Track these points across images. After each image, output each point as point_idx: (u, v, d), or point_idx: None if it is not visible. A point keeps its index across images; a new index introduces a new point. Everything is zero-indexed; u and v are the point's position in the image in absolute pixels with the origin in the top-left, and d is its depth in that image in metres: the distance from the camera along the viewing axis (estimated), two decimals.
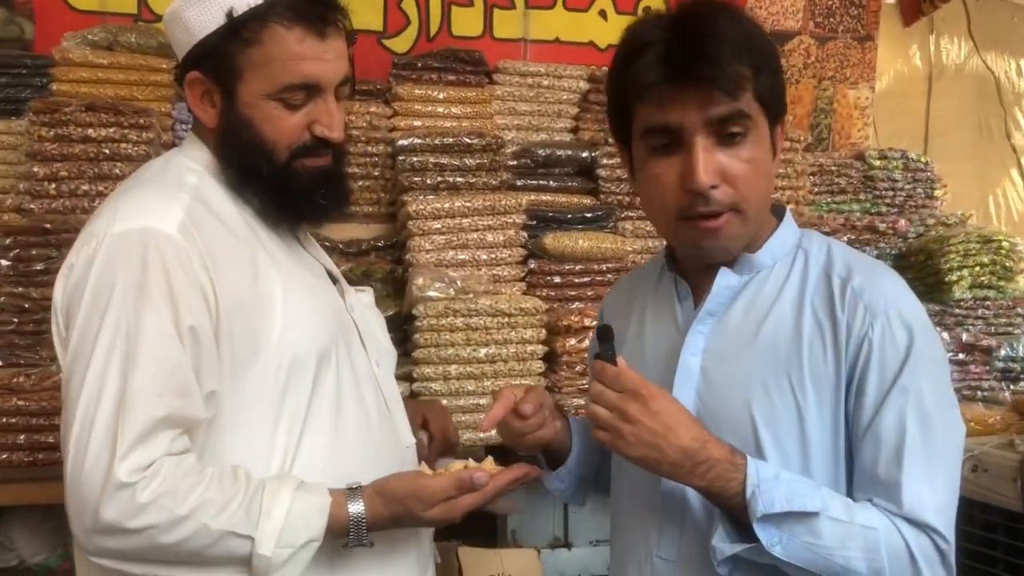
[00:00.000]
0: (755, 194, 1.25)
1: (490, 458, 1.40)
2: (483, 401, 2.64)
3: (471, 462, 1.39)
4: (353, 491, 1.29)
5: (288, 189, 1.38)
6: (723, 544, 1.17)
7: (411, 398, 1.70)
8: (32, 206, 2.79)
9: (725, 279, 1.29)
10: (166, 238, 1.25)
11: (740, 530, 1.17)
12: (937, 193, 3.81)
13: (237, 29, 1.31)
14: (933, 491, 1.16)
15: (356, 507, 1.27)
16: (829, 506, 1.15)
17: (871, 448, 1.19)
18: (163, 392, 1.21)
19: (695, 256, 1.32)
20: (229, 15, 1.31)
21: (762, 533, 1.14)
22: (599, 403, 1.19)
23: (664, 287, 1.40)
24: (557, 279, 2.97)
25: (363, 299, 1.57)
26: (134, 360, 1.21)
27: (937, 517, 1.16)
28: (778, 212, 1.35)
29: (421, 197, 2.96)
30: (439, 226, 2.90)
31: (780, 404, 1.23)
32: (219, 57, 1.33)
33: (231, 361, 1.29)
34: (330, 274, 1.52)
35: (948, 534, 1.16)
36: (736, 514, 1.17)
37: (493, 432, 1.49)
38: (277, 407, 1.31)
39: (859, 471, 1.21)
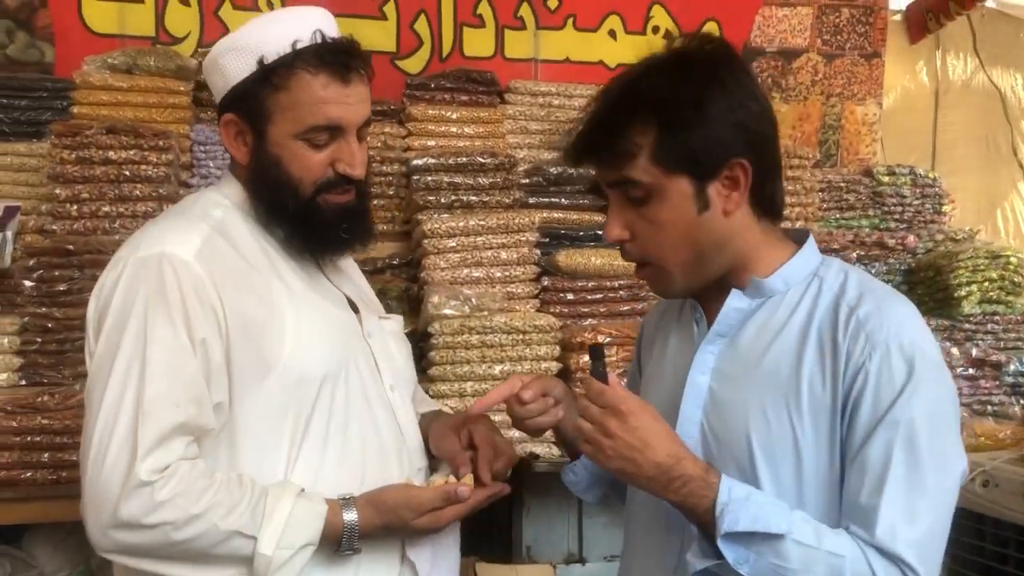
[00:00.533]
0: (666, 250, 1.28)
1: (470, 475, 1.48)
2: (498, 418, 2.65)
3: (451, 478, 1.47)
4: (347, 501, 1.38)
5: (312, 222, 1.47)
6: (695, 559, 1.22)
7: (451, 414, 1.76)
8: (54, 227, 2.85)
9: (735, 301, 1.32)
10: (182, 263, 1.36)
11: (712, 546, 1.20)
12: (945, 208, 3.84)
13: (268, 75, 1.42)
14: (910, 524, 1.16)
15: (350, 515, 1.36)
16: (796, 530, 1.17)
17: (856, 477, 1.20)
18: (179, 401, 1.31)
19: None
20: (260, 62, 1.42)
21: (728, 551, 1.17)
22: (585, 417, 1.24)
23: (687, 310, 1.43)
24: (570, 296, 3.01)
25: (386, 326, 1.64)
26: (152, 370, 1.31)
27: (910, 550, 1.15)
28: (800, 238, 1.37)
29: (436, 216, 3.01)
30: (454, 244, 2.95)
31: (777, 429, 1.24)
32: (251, 101, 1.43)
33: (240, 379, 1.38)
34: (352, 303, 1.58)
35: (922, 569, 1.15)
36: (708, 530, 1.20)
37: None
38: (281, 422, 1.40)
39: (844, 498, 1.22)
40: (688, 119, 1.23)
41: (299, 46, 1.42)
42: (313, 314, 1.46)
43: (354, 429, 1.46)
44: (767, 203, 1.31)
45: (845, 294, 1.27)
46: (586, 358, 2.70)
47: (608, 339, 2.78)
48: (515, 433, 1.85)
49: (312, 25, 1.44)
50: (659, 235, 1.27)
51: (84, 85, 3.12)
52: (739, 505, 1.17)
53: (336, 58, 1.43)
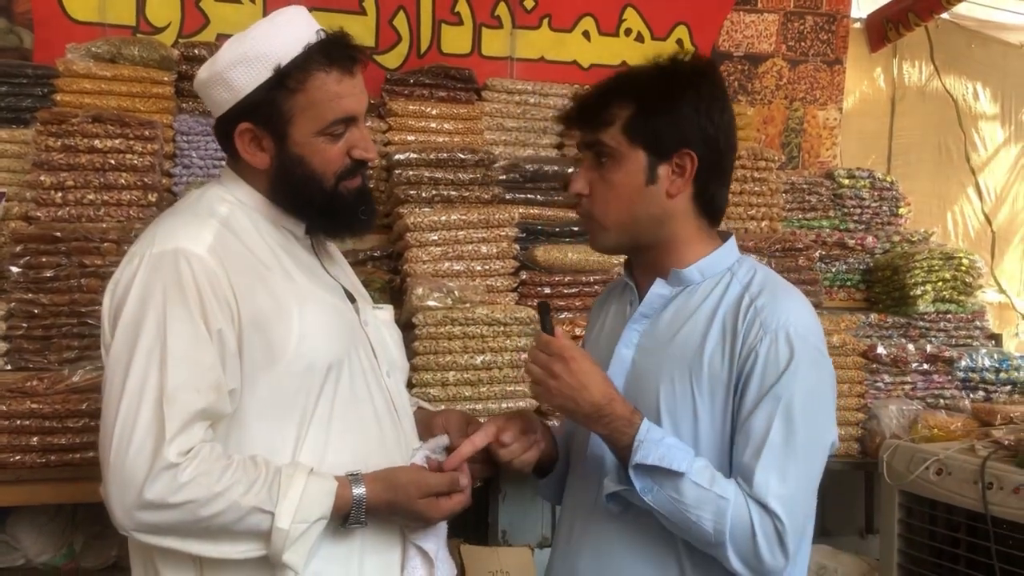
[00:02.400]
0: (610, 207, 1.49)
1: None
2: (479, 406, 2.76)
3: (443, 455, 1.59)
4: (355, 477, 1.46)
5: (337, 211, 1.56)
6: (610, 483, 1.45)
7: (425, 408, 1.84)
8: (39, 214, 2.87)
9: (657, 288, 1.53)
10: (197, 258, 1.43)
11: (626, 474, 1.41)
12: (902, 211, 4.00)
13: (283, 81, 1.48)
14: (781, 482, 1.36)
15: (359, 490, 1.45)
16: (694, 472, 1.37)
17: (742, 440, 1.41)
18: (200, 388, 1.38)
19: None
20: (277, 68, 1.48)
21: (636, 480, 1.39)
22: (534, 363, 1.46)
23: (626, 294, 1.64)
24: (547, 290, 3.10)
25: (380, 315, 1.73)
26: (173, 359, 1.37)
27: (780, 504, 1.35)
28: (724, 237, 1.57)
29: (417, 210, 3.08)
30: (435, 238, 3.02)
31: (680, 396, 1.46)
32: (267, 107, 1.49)
33: (251, 367, 1.45)
34: (349, 293, 1.66)
35: (789, 521, 1.35)
36: (624, 462, 1.41)
37: None
38: (290, 408, 1.47)
39: (732, 458, 1.42)
40: (659, 106, 1.47)
41: (309, 47, 1.49)
42: (317, 306, 1.53)
43: (356, 414, 1.53)
44: (708, 201, 1.53)
45: (750, 287, 1.48)
46: None
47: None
48: None
49: (311, 25, 1.52)
50: (609, 193, 1.49)
51: (67, 73, 3.13)
52: (652, 444, 1.39)
53: (343, 52, 1.51)
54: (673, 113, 1.47)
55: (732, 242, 1.57)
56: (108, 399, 1.39)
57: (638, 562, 1.48)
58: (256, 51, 1.48)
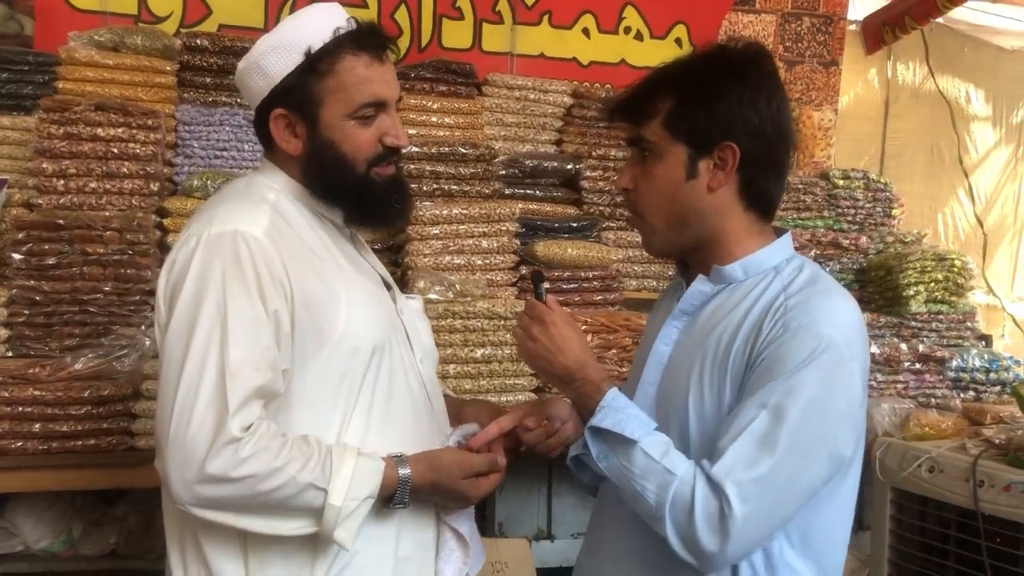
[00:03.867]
0: (651, 204, 1.48)
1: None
2: (480, 399, 2.78)
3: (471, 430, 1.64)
4: (400, 459, 1.50)
5: (369, 197, 1.58)
6: (574, 448, 1.50)
7: (451, 396, 1.89)
8: (40, 201, 2.87)
9: (699, 284, 1.50)
10: (255, 239, 1.46)
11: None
12: (895, 212, 4.04)
13: (314, 64, 1.52)
14: (745, 469, 1.28)
15: (404, 470, 1.49)
16: (647, 443, 1.36)
17: (725, 424, 1.35)
18: (259, 366, 1.41)
19: None
20: (307, 53, 1.51)
21: (592, 444, 1.41)
22: (518, 325, 1.52)
23: (678, 291, 1.60)
24: (546, 285, 3.11)
25: (412, 305, 1.77)
26: (234, 337, 1.40)
27: (736, 489, 1.27)
28: (780, 234, 1.52)
29: (419, 203, 3.10)
30: (437, 232, 3.04)
31: (708, 395, 1.41)
32: (299, 91, 1.53)
33: (301, 348, 1.48)
34: (385, 281, 1.70)
35: (742, 509, 1.27)
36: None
37: None
38: (336, 390, 1.51)
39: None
40: (699, 98, 1.43)
41: (339, 33, 1.53)
42: (362, 292, 1.57)
43: (396, 399, 1.57)
44: (755, 195, 1.46)
45: (790, 286, 1.41)
46: None
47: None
48: None
49: (342, 15, 1.56)
50: (651, 188, 1.47)
51: (69, 61, 3.13)
52: (611, 410, 1.40)
53: (372, 39, 1.55)
54: (713, 104, 1.42)
55: (785, 239, 1.50)
56: (167, 375, 1.42)
57: (644, 561, 1.47)
58: (288, 38, 1.53)
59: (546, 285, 1.57)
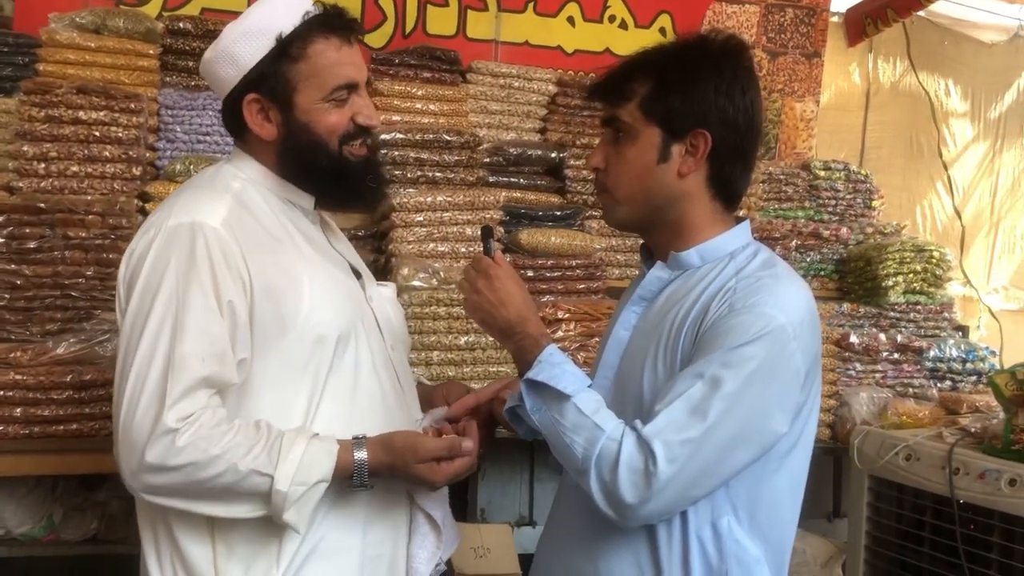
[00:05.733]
0: (622, 182, 1.50)
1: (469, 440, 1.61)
2: (451, 381, 2.79)
3: (445, 426, 1.65)
4: (358, 441, 1.49)
5: (344, 177, 1.60)
6: (511, 400, 1.51)
7: (425, 383, 1.89)
8: (21, 184, 2.84)
9: (656, 271, 1.54)
10: (212, 230, 1.48)
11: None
12: (875, 204, 4.09)
13: (285, 50, 1.54)
14: (675, 432, 1.32)
15: (360, 454, 1.48)
16: (581, 399, 1.39)
17: (663, 390, 1.38)
18: (205, 357, 1.42)
19: None
20: (279, 38, 1.53)
21: (527, 397, 1.43)
22: (464, 278, 1.54)
23: (640, 277, 1.64)
24: (530, 273, 3.13)
25: (383, 292, 1.77)
26: (182, 329, 1.42)
27: (664, 448, 1.31)
28: (739, 222, 1.55)
29: (403, 190, 3.10)
30: (421, 219, 3.04)
31: (662, 375, 1.44)
32: (273, 77, 1.55)
33: (262, 336, 1.49)
34: (354, 269, 1.69)
35: (667, 468, 1.30)
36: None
37: None
38: (300, 378, 1.52)
39: None
40: (676, 83, 1.46)
41: (308, 17, 1.55)
42: (326, 279, 1.58)
43: (364, 385, 1.58)
44: (723, 183, 1.51)
45: (743, 270, 1.45)
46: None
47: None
48: None
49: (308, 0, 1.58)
50: (622, 167, 1.50)
51: (50, 43, 3.10)
52: (548, 365, 1.43)
53: (341, 22, 1.58)
54: (690, 91, 1.45)
55: (743, 227, 1.53)
56: (121, 365, 1.45)
57: (605, 541, 1.49)
58: (258, 25, 1.54)
59: (496, 241, 1.60)
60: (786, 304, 1.39)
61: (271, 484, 1.41)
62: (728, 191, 1.51)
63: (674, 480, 1.32)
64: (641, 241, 1.64)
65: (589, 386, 1.43)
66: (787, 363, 1.37)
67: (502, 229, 3.17)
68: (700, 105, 1.45)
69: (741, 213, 3.77)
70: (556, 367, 1.42)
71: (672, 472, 1.31)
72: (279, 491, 1.41)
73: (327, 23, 1.56)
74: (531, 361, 1.44)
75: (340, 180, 1.60)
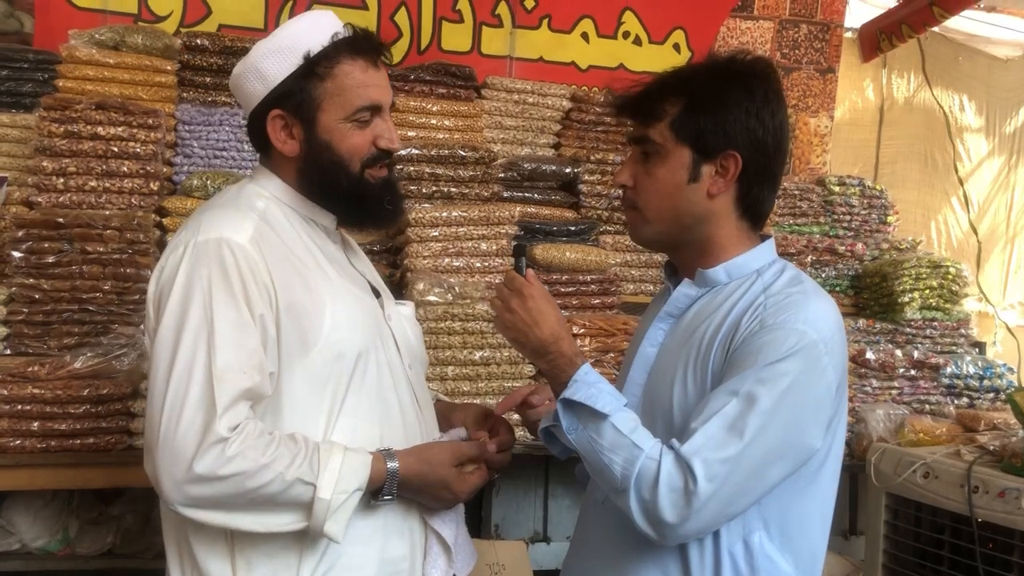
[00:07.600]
0: (651, 201, 1.50)
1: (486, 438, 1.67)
2: (477, 401, 2.78)
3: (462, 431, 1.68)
4: (388, 452, 1.52)
5: (363, 198, 1.61)
6: (545, 420, 1.49)
7: (444, 400, 1.90)
8: (40, 199, 2.87)
9: (684, 288, 1.55)
10: (239, 247, 1.49)
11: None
12: (890, 219, 4.07)
13: (312, 68, 1.55)
14: (714, 451, 1.32)
15: (392, 463, 1.51)
16: (618, 417, 1.38)
17: (698, 408, 1.38)
18: (245, 368, 1.43)
19: None
20: (306, 56, 1.54)
21: (563, 417, 1.42)
22: (497, 296, 1.53)
23: (666, 294, 1.64)
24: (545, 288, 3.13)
25: (402, 311, 1.78)
26: (220, 342, 1.43)
27: (704, 467, 1.31)
28: (762, 240, 1.56)
29: (418, 205, 3.11)
30: (436, 234, 3.05)
31: (692, 392, 1.44)
32: (298, 94, 1.56)
33: (286, 353, 1.50)
34: (373, 288, 1.71)
35: (707, 487, 1.30)
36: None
37: None
38: (320, 394, 1.52)
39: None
40: (707, 105, 1.47)
41: (337, 38, 1.56)
42: (347, 297, 1.59)
43: (383, 403, 1.59)
44: (750, 204, 1.51)
45: (771, 287, 1.46)
46: None
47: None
48: None
49: (338, 21, 1.59)
50: (652, 186, 1.50)
51: (70, 59, 3.13)
52: (584, 384, 1.42)
53: (368, 45, 1.58)
54: (721, 113, 1.46)
55: (768, 244, 1.54)
56: (155, 379, 1.44)
57: (634, 558, 1.49)
58: (287, 42, 1.56)
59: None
60: (816, 320, 1.40)
61: (314, 493, 1.42)
62: (755, 211, 1.52)
63: (713, 498, 1.32)
64: (661, 257, 1.64)
65: (625, 405, 1.43)
66: (820, 378, 1.39)
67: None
68: (732, 127, 1.46)
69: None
70: (592, 387, 1.42)
71: (712, 490, 1.32)
72: (322, 499, 1.41)
73: (355, 45, 1.57)
74: (566, 381, 1.43)
75: (359, 201, 1.61)
